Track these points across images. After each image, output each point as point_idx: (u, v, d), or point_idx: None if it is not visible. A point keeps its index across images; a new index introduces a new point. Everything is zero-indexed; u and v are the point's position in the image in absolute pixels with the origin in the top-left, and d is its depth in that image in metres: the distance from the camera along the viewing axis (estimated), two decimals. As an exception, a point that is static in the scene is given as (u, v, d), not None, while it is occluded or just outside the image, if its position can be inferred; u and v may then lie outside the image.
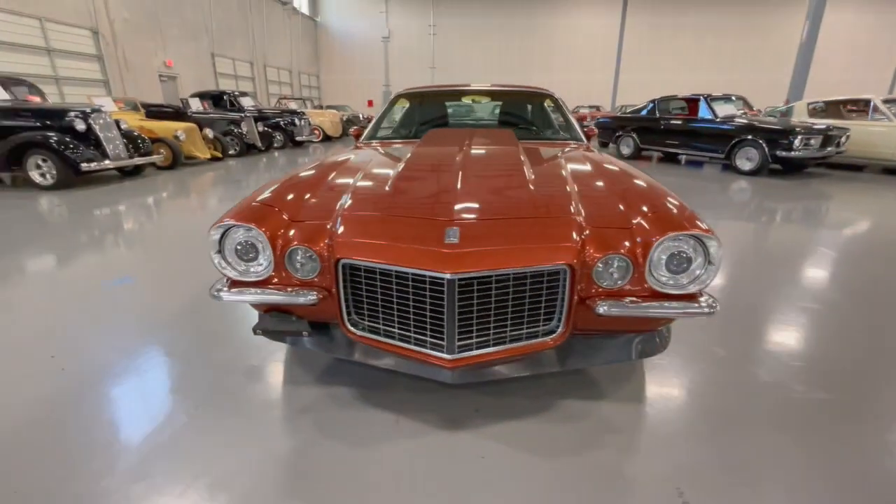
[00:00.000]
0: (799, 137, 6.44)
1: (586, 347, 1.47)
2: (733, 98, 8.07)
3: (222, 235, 1.37)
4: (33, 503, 1.15)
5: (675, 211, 1.37)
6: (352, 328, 1.34)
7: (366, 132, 2.91)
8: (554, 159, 2.06)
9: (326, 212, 1.43)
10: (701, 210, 4.68)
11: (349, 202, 1.45)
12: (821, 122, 7.12)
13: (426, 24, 23.93)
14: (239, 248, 1.38)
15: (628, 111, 9.55)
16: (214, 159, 9.00)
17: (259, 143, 10.31)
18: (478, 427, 1.47)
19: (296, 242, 1.34)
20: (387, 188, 1.54)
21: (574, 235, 1.27)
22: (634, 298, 1.31)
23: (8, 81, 6.28)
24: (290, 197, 1.52)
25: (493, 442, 1.40)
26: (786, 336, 2.10)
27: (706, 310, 1.29)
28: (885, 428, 1.47)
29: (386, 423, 1.48)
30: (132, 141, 6.69)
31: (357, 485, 1.23)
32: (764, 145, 6.79)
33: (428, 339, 1.28)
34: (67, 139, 5.70)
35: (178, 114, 9.78)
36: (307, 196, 1.55)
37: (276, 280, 1.39)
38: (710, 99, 7.76)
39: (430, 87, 3.12)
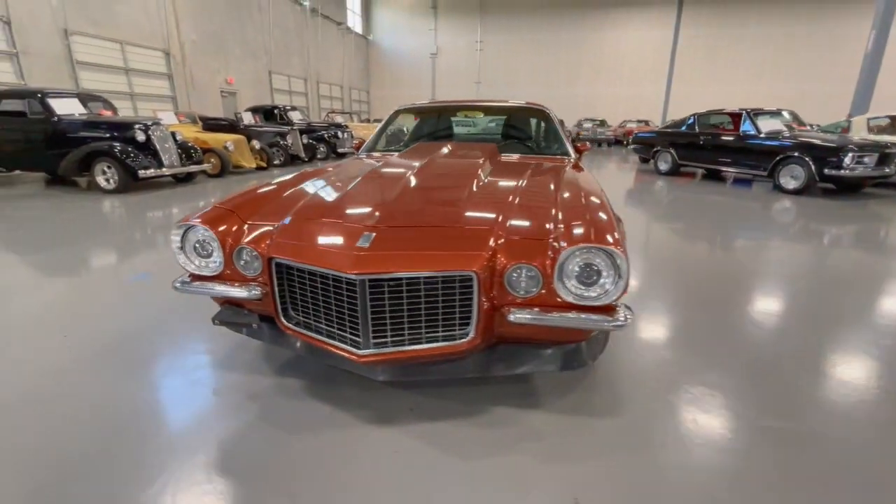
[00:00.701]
0: (850, 155, 5.97)
1: (510, 355, 1.51)
2: (783, 113, 7.61)
3: (184, 234, 1.56)
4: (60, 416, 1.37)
5: (592, 225, 1.39)
6: (286, 322, 1.47)
7: (364, 145, 3.09)
8: (518, 173, 2.11)
9: (277, 217, 1.59)
10: (727, 230, 4.46)
11: (298, 208, 1.60)
12: (882, 139, 6.55)
13: (473, 40, 24.38)
14: (197, 245, 1.56)
15: (667, 126, 9.23)
16: (259, 168, 9.65)
17: (302, 154, 10.93)
18: (406, 425, 1.54)
19: (242, 242, 1.50)
20: (336, 196, 1.68)
21: (484, 245, 1.33)
22: (546, 308, 1.34)
23: (86, 97, 7.13)
24: (250, 202, 1.70)
25: (413, 439, 1.47)
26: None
27: (616, 323, 1.30)
28: None
29: (324, 414, 1.59)
30: (185, 151, 7.35)
31: (279, 467, 1.34)
32: (810, 163, 6.34)
33: (348, 335, 1.38)
34: (129, 149, 6.38)
35: (232, 126, 10.61)
36: (267, 202, 1.71)
37: (227, 275, 1.56)
38: (754, 113, 7.37)
39: (428, 103, 3.26)
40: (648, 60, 22.59)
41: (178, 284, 1.57)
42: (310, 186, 1.89)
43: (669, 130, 9.02)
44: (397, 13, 24.91)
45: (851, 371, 1.92)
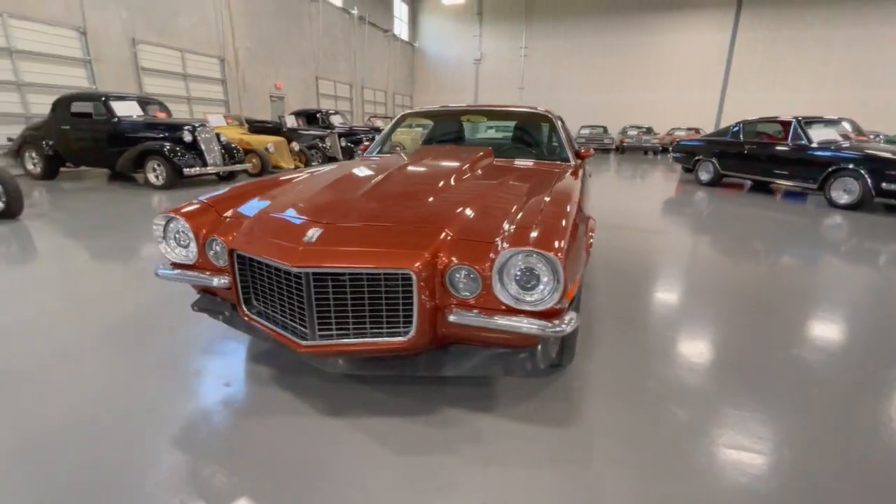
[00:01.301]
0: (912, 168, 5.43)
1: (461, 357, 1.52)
2: (840, 122, 7.04)
3: (166, 224, 1.69)
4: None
5: (538, 230, 1.38)
6: (246, 311, 1.56)
7: (370, 147, 3.18)
8: (500, 177, 2.11)
9: (251, 212, 1.68)
10: (761, 246, 4.20)
11: (266, 203, 1.69)
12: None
13: (518, 46, 24.25)
14: (177, 235, 1.69)
15: (710, 134, 8.76)
16: (297, 169, 10.09)
17: (340, 157, 11.30)
18: (355, 418, 1.58)
19: (213, 235, 1.61)
20: (306, 194, 1.76)
21: (427, 244, 1.35)
22: (487, 310, 1.35)
23: (144, 101, 7.77)
24: (231, 198, 1.81)
25: (359, 432, 1.51)
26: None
27: (555, 329, 1.28)
28: None
29: (283, 401, 1.67)
30: (228, 151, 7.83)
31: (231, 445, 1.43)
32: (866, 176, 5.83)
33: (297, 326, 1.45)
34: (177, 148, 6.88)
35: (276, 129, 11.18)
36: (247, 198, 1.82)
37: (201, 265, 1.67)
38: (806, 122, 6.87)
39: (434, 108, 3.31)
40: (702, 65, 21.52)
41: (160, 271, 1.70)
42: (292, 184, 1.99)
43: (712, 139, 8.57)
44: (443, 20, 25.23)
45: None
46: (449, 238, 1.41)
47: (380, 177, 1.87)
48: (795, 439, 1.51)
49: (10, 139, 7.85)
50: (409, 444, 1.46)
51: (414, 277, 1.31)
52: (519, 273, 1.32)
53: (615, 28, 22.60)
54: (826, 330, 2.40)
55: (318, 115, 12.64)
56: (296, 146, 9.97)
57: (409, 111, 3.31)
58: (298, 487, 1.27)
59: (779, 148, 7.08)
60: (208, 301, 1.78)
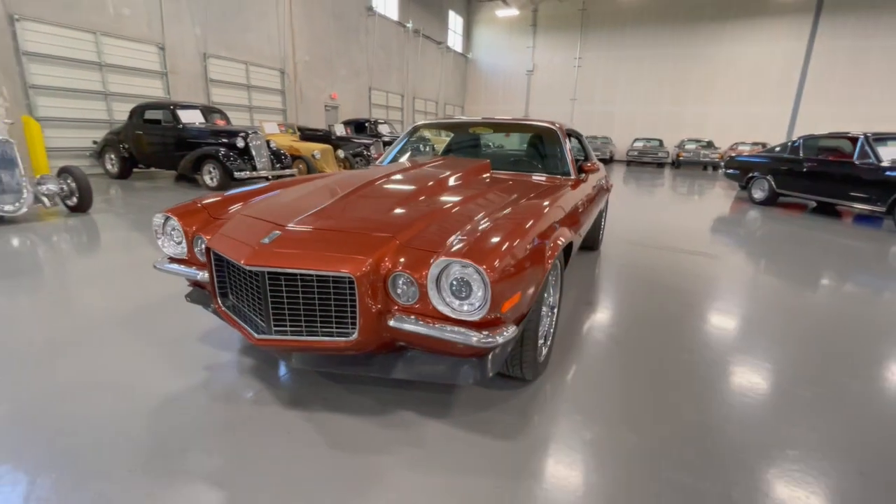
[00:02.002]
0: None
1: (411, 361, 1.57)
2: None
3: (164, 222, 1.89)
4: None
5: (479, 242, 1.41)
6: (220, 303, 1.71)
7: (382, 156, 3.32)
8: (482, 189, 2.15)
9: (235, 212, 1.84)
10: (809, 277, 3.89)
11: (247, 207, 1.84)
12: None
13: (572, 56, 23.87)
14: (172, 232, 1.88)
15: (767, 150, 8.16)
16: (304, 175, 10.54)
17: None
18: (312, 411, 1.68)
19: (200, 233, 1.78)
20: (286, 198, 1.89)
21: (371, 251, 1.42)
22: (425, 317, 1.39)
23: (207, 109, 8.50)
24: (225, 201, 1.99)
25: (309, 424, 1.60)
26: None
27: (485, 341, 1.30)
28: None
29: (253, 390, 1.79)
30: (277, 156, 8.36)
31: (197, 425, 1.57)
32: (944, 200, 5.19)
33: (259, 321, 1.57)
34: (230, 153, 7.46)
35: (326, 137, 11.78)
36: (239, 201, 1.99)
37: (191, 260, 1.85)
38: (876, 138, 6.25)
39: (444, 120, 3.39)
40: (772, 76, 20.04)
41: (157, 264, 1.90)
42: (284, 189, 2.15)
43: (768, 154, 7.98)
44: (497, 32, 25.40)
45: None
46: (396, 246, 1.47)
47: (357, 185, 1.97)
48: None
49: (94, 142, 8.86)
50: (351, 440, 1.53)
51: (354, 281, 1.39)
52: (455, 283, 1.36)
53: (677, 38, 21.66)
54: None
55: (366, 125, 13.17)
56: (341, 153, 10.44)
57: (422, 122, 3.41)
58: (233, 467, 1.37)
59: (843, 166, 6.47)
60: (199, 294, 1.96)
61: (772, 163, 7.78)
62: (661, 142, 19.96)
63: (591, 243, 4.07)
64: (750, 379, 2.04)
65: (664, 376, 2.03)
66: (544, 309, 1.90)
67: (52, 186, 4.93)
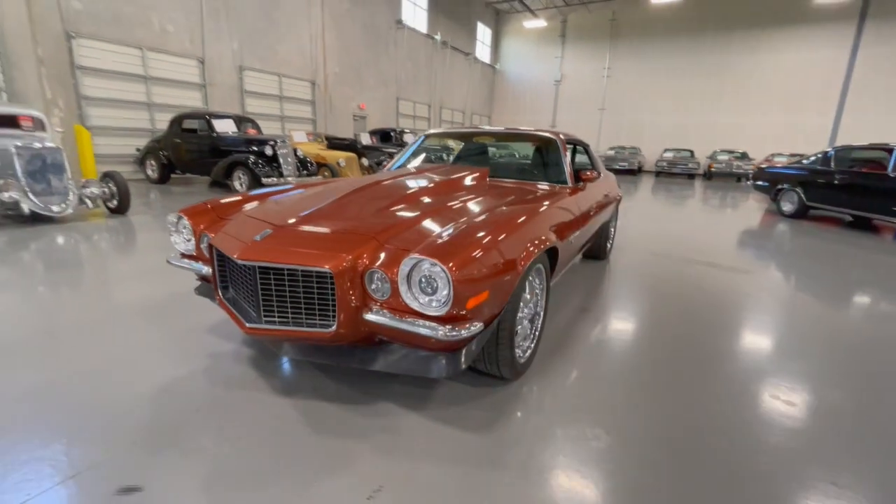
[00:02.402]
0: None
1: (390, 354, 1.68)
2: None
3: (177, 221, 2.07)
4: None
5: (449, 243, 1.51)
6: (221, 295, 1.86)
7: (391, 162, 3.47)
8: (474, 195, 2.24)
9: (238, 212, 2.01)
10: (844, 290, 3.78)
11: (251, 208, 2.00)
12: None
13: (601, 66, 23.69)
14: (183, 230, 2.06)
15: (796, 161, 7.88)
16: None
17: (406, 173, 11.94)
18: (300, 399, 1.80)
19: (206, 231, 1.95)
20: (289, 200, 2.05)
21: (350, 249, 1.54)
22: (397, 312, 1.50)
23: (239, 119, 8.96)
24: (234, 203, 2.16)
25: (295, 411, 1.72)
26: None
27: (449, 334, 1.40)
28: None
29: (249, 378, 1.94)
30: (303, 164, 8.71)
31: (195, 406, 1.72)
32: None
33: (251, 310, 1.71)
34: (258, 161, 7.84)
35: (352, 146, 12.14)
36: (245, 202, 2.16)
37: (199, 256, 2.03)
38: (912, 150, 5.96)
39: (451, 130, 3.52)
40: (812, 86, 19.24)
41: (169, 259, 2.09)
42: (290, 192, 2.31)
43: (798, 166, 7.71)
44: (525, 43, 25.53)
45: None
46: (374, 245, 1.59)
47: (352, 189, 2.11)
48: (715, 480, 1.44)
49: (137, 149, 9.48)
50: (332, 426, 1.64)
51: (333, 277, 1.51)
52: (423, 280, 1.46)
53: (709, 47, 21.18)
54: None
55: (391, 134, 13.49)
56: (365, 161, 10.75)
57: (432, 131, 3.55)
58: (223, 443, 1.51)
59: (877, 178, 6.20)
60: (205, 288, 2.14)
61: (801, 174, 7.51)
62: (691, 152, 19.46)
63: (598, 253, 4.07)
64: (720, 388, 2.03)
65: (649, 383, 2.05)
66: (526, 311, 1.97)
67: (94, 189, 5.34)
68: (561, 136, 3.13)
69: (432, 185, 2.26)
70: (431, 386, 1.94)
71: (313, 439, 1.56)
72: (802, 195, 7.46)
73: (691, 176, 19.84)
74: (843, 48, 18.70)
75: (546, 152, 3.09)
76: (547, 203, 2.26)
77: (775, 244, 5.49)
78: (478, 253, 1.50)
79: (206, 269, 1.94)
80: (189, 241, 2.06)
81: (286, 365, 2.05)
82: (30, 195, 4.74)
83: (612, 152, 19.96)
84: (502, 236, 1.67)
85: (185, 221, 2.02)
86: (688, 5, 21.26)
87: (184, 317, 2.54)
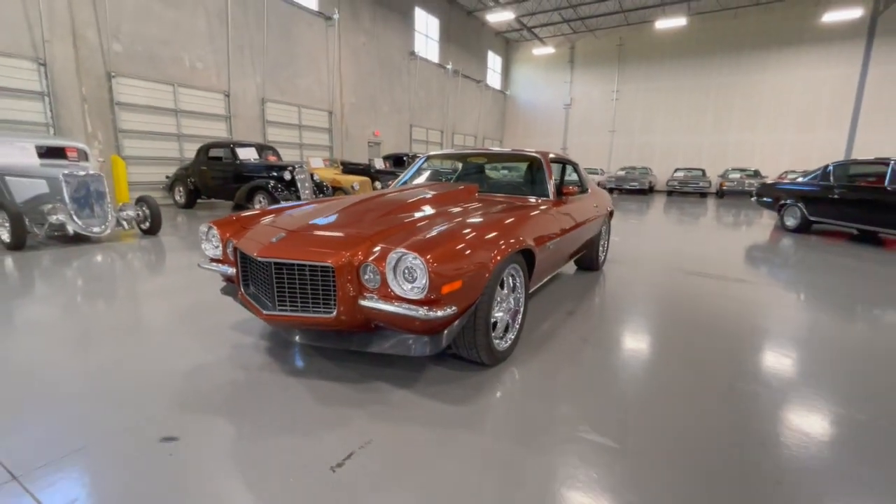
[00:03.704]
0: None
1: (383, 337, 1.99)
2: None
3: (207, 231, 2.45)
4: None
5: (427, 241, 1.83)
6: (243, 291, 2.21)
7: (396, 181, 3.85)
8: (463, 204, 2.58)
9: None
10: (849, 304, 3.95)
11: (271, 218, 2.37)
12: None
13: (610, 89, 24.24)
14: (212, 238, 2.43)
15: (797, 177, 8.02)
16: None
17: (418, 195, 12.40)
18: (307, 379, 2.11)
19: (231, 238, 2.31)
20: (302, 211, 2.41)
21: (349, 248, 1.87)
22: (386, 298, 1.81)
23: (261, 147, 9.59)
24: (256, 215, 2.53)
25: (303, 387, 2.03)
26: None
27: (426, 314, 1.70)
28: None
29: (264, 363, 2.26)
30: (319, 188, 9.23)
31: (218, 384, 2.04)
32: (979, 225, 4.99)
33: (267, 301, 2.04)
34: (278, 185, 8.37)
35: (366, 170, 12.73)
36: (265, 215, 2.53)
37: (225, 259, 2.39)
38: (907, 164, 6.10)
39: (448, 151, 3.89)
40: (824, 104, 19.31)
41: (201, 264, 2.45)
42: (303, 206, 2.68)
43: (799, 181, 7.86)
44: (535, 69, 26.34)
45: None
46: (369, 244, 1.92)
47: (355, 201, 2.46)
48: (656, 440, 1.67)
49: (167, 176, 10.18)
50: (333, 398, 1.94)
51: (334, 270, 1.84)
52: (406, 270, 1.77)
53: (717, 67, 21.53)
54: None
55: (404, 159, 14.07)
56: (378, 185, 11.26)
57: (432, 153, 3.92)
58: (242, 409, 1.82)
59: (874, 192, 6.32)
60: (230, 287, 2.49)
61: (802, 190, 7.65)
62: (703, 171, 19.56)
63: (589, 264, 4.33)
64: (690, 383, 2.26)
65: (617, 371, 2.30)
66: (504, 306, 2.25)
67: (130, 212, 5.87)
68: (550, 155, 3.46)
69: (424, 198, 2.60)
70: (420, 369, 2.22)
71: (318, 407, 1.86)
72: (804, 210, 7.58)
73: (703, 195, 19.88)
74: (853, 66, 18.81)
75: (532, 170, 3.42)
76: (526, 213, 2.57)
77: (773, 256, 5.64)
78: (452, 248, 1.82)
79: (231, 271, 2.30)
80: (217, 247, 2.42)
81: (297, 354, 2.37)
82: (74, 217, 5.26)
83: (622, 173, 20.19)
84: (476, 236, 1.98)
85: (214, 231, 2.39)
86: (693, 28, 21.76)
87: (210, 317, 2.89)
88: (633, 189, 19.57)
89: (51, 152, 5.94)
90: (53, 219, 5.10)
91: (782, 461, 1.59)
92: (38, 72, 8.37)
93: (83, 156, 6.29)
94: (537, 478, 1.47)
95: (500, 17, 18.51)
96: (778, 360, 2.47)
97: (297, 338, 2.09)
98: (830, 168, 7.33)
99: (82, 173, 5.43)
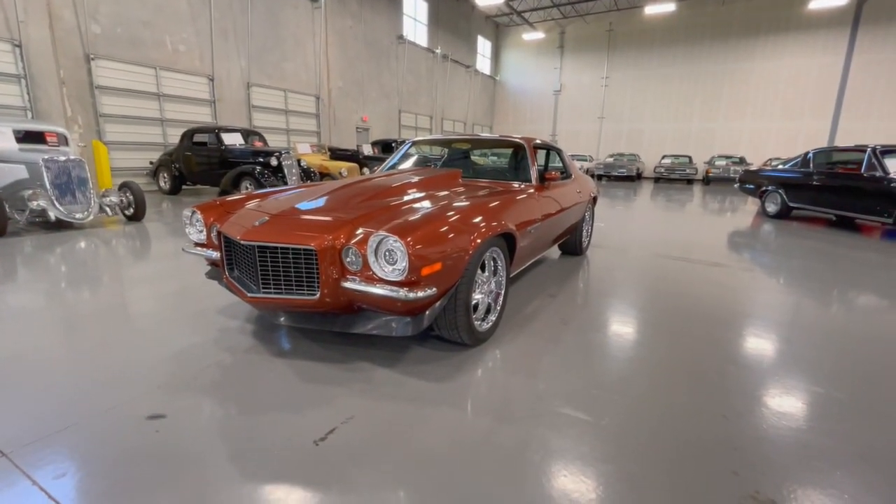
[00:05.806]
0: None
1: (366, 318, 2.04)
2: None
3: (191, 215, 2.46)
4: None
5: (407, 224, 1.87)
6: (227, 275, 2.24)
7: (381, 166, 3.86)
8: (445, 189, 2.62)
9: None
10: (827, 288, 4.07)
11: (255, 203, 2.39)
12: None
13: (599, 76, 24.20)
14: (196, 222, 2.45)
15: (778, 164, 8.19)
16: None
17: (407, 182, 12.37)
18: (293, 360, 2.16)
19: (215, 223, 2.33)
20: (286, 196, 2.43)
21: (331, 231, 1.91)
22: (368, 280, 1.86)
23: (247, 132, 9.46)
24: (240, 200, 2.54)
25: (289, 368, 2.08)
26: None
27: (406, 295, 1.75)
28: None
29: (250, 345, 2.30)
30: (306, 174, 9.17)
31: (205, 365, 2.08)
32: (948, 210, 5.17)
33: (251, 284, 2.08)
34: (264, 171, 8.29)
35: (354, 156, 12.63)
36: (250, 199, 2.54)
37: (209, 244, 2.40)
38: (882, 151, 6.26)
39: (433, 137, 3.90)
40: (809, 91, 19.54)
41: (184, 248, 2.47)
42: (287, 191, 2.69)
43: (779, 168, 8.01)
44: (524, 54, 26.14)
45: None
46: (351, 227, 1.95)
47: (339, 186, 2.49)
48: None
49: (151, 162, 10.01)
50: (319, 377, 1.99)
51: (317, 253, 1.87)
52: (387, 253, 1.82)
53: (706, 55, 21.60)
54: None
55: (392, 144, 13.97)
56: (367, 171, 11.20)
57: (417, 139, 3.93)
58: (228, 389, 1.86)
59: (851, 178, 6.49)
60: (214, 271, 2.52)
61: (782, 176, 7.81)
62: (689, 158, 19.74)
63: (573, 248, 4.41)
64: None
65: (595, 351, 2.38)
66: (485, 288, 2.31)
67: (113, 198, 5.80)
68: (534, 141, 3.49)
69: (408, 182, 2.64)
70: (403, 350, 2.28)
71: (303, 386, 1.91)
72: (784, 196, 7.75)
73: (690, 181, 20.12)
74: (837, 54, 19.02)
75: (516, 156, 3.46)
76: (509, 197, 2.62)
77: (753, 242, 5.78)
78: (432, 231, 1.86)
79: (216, 255, 2.32)
80: (201, 231, 2.44)
81: (282, 336, 2.41)
82: (56, 204, 5.19)
83: (611, 159, 20.30)
84: (456, 219, 2.03)
85: (198, 215, 2.40)
86: (682, 15, 21.74)
87: (195, 302, 2.91)
88: (622, 175, 19.71)
89: (29, 137, 5.80)
90: (34, 205, 5.03)
91: (747, 432, 1.69)
92: (13, 53, 8.11)
93: (63, 140, 6.16)
94: (515, 450, 1.55)
95: (489, 0, 18.28)
96: (756, 342, 2.58)
97: (281, 320, 2.13)
98: (810, 155, 7.48)
99: (63, 158, 5.33)
